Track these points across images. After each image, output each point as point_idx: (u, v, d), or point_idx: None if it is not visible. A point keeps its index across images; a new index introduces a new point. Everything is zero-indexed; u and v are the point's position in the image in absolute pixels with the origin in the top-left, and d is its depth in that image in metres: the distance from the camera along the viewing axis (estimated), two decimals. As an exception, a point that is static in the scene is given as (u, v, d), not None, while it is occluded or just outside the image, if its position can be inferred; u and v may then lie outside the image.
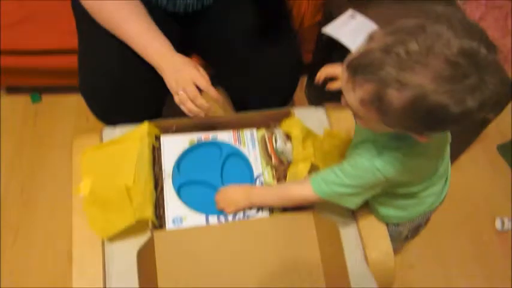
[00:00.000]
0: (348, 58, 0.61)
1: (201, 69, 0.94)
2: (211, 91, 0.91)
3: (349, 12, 1.25)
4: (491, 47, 0.54)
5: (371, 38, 0.59)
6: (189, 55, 1.30)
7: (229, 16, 1.09)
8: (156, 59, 0.94)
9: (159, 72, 0.94)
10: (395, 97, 0.55)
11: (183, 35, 1.12)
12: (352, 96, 0.61)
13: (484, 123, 1.28)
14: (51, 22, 1.35)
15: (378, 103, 0.57)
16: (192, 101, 0.90)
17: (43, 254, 1.29)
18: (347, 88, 0.61)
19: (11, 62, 1.40)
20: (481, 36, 0.54)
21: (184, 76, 0.91)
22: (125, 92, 1.01)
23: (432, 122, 0.57)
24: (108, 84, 1.00)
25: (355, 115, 0.66)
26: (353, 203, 0.77)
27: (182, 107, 0.92)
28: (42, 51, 1.37)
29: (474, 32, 0.54)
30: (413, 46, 0.53)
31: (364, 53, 0.58)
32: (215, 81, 1.42)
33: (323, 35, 1.25)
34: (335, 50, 1.24)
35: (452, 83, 0.53)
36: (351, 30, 1.22)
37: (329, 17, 1.29)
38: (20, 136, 1.51)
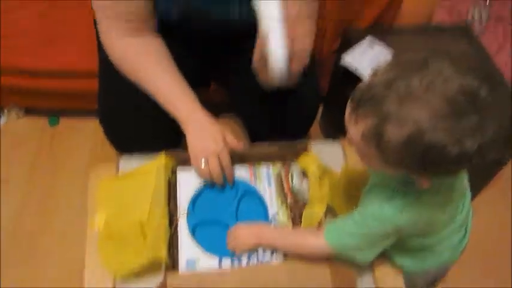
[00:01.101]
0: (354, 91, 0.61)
1: (229, 136, 0.91)
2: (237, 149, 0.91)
3: (368, 40, 1.24)
4: (494, 87, 0.54)
5: (375, 72, 0.59)
6: (206, 83, 1.32)
7: (248, 45, 1.09)
8: (182, 117, 0.91)
9: (183, 130, 0.91)
10: (394, 133, 0.55)
11: (202, 63, 1.13)
12: (354, 130, 0.61)
13: (499, 164, 1.25)
14: (71, 43, 1.37)
15: (377, 138, 0.57)
16: (214, 177, 0.89)
17: (54, 281, 1.28)
18: (349, 121, 0.62)
19: (30, 83, 1.42)
20: (484, 76, 0.54)
21: (209, 148, 0.88)
22: (143, 118, 1.01)
23: (429, 162, 0.56)
24: (127, 109, 1.00)
25: (358, 151, 0.65)
26: (364, 257, 0.75)
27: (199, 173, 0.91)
28: (61, 73, 1.39)
29: (477, 70, 0.54)
30: (414, 82, 0.54)
31: (367, 87, 0.58)
32: (230, 109, 1.44)
33: (340, 64, 1.24)
34: (352, 81, 1.24)
35: (450, 121, 0.52)
36: (370, 60, 1.21)
37: (347, 46, 1.29)
38: (35, 159, 1.53)
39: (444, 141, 0.53)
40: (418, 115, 0.53)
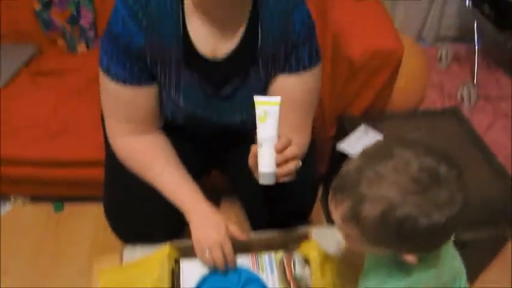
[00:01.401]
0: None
1: (232, 226, 0.94)
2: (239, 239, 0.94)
3: (362, 127, 1.31)
4: (453, 165, 0.62)
5: (348, 161, 0.67)
6: (207, 171, 1.36)
7: (248, 135, 1.14)
8: (186, 207, 0.96)
9: (187, 220, 0.96)
10: (369, 211, 0.61)
11: (203, 156, 1.18)
12: (336, 214, 0.67)
13: (502, 240, 1.26)
14: (78, 135, 1.41)
15: (355, 219, 0.63)
16: (216, 265, 0.92)
17: None
18: (331, 207, 0.68)
19: (37, 172, 1.45)
20: (442, 156, 0.62)
21: (212, 236, 0.91)
22: (148, 211, 1.03)
23: (403, 235, 0.61)
24: (132, 202, 1.04)
25: (342, 234, 0.70)
26: None
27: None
28: (68, 164, 1.44)
29: (435, 152, 0.62)
30: (381, 167, 0.61)
31: (342, 175, 0.66)
32: (232, 194, 1.47)
33: (337, 149, 1.29)
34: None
35: (417, 196, 0.59)
36: (364, 146, 1.26)
37: (343, 132, 1.35)
38: (40, 245, 1.53)
39: (414, 214, 0.59)
40: (388, 193, 0.60)
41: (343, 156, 1.30)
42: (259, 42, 0.92)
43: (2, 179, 1.46)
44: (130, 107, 0.96)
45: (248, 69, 0.95)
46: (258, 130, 0.82)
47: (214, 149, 1.18)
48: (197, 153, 1.15)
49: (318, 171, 1.37)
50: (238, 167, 1.17)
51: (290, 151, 0.82)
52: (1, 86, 1.47)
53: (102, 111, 1.03)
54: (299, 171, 1.08)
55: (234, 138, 1.12)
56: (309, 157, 1.11)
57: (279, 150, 0.81)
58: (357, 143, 1.27)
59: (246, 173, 1.14)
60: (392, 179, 0.60)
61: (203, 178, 1.25)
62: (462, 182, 0.62)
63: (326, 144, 1.48)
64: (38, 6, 1.57)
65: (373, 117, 1.35)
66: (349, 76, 1.24)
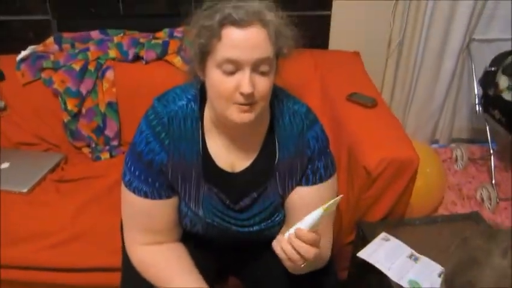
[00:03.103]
0: None
1: None
2: None
3: (383, 235, 1.29)
4: None
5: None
6: (225, 277, 1.34)
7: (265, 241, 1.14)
8: None
9: None
10: None
11: (221, 263, 1.17)
12: None
13: None
14: (98, 241, 1.41)
15: None
16: None
17: None
18: None
19: (52, 278, 1.43)
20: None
21: None
22: None
23: None
24: None
25: None
26: None
27: None
28: (84, 269, 1.42)
29: None
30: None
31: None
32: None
33: (357, 255, 1.27)
34: (371, 268, 1.24)
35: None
36: (385, 253, 1.24)
37: (362, 238, 1.33)
38: None
39: None
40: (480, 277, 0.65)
41: (364, 264, 1.26)
42: (276, 158, 0.95)
43: (15, 283, 1.45)
44: (150, 219, 0.97)
45: (265, 183, 0.97)
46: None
47: (232, 256, 1.18)
48: (215, 260, 1.14)
49: (338, 278, 1.32)
50: (256, 275, 1.16)
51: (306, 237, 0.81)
52: (25, 190, 1.51)
53: (121, 219, 1.05)
54: (321, 279, 1.05)
55: (252, 247, 1.11)
56: (330, 265, 1.09)
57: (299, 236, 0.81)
58: (377, 250, 1.24)
59: (264, 281, 1.12)
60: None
61: (220, 284, 1.23)
62: None
63: (344, 250, 1.46)
64: (66, 118, 1.67)
65: (392, 223, 1.34)
66: (365, 184, 1.25)
